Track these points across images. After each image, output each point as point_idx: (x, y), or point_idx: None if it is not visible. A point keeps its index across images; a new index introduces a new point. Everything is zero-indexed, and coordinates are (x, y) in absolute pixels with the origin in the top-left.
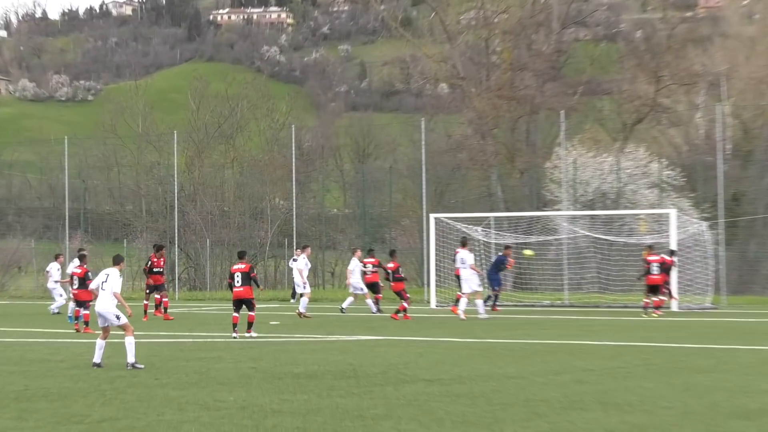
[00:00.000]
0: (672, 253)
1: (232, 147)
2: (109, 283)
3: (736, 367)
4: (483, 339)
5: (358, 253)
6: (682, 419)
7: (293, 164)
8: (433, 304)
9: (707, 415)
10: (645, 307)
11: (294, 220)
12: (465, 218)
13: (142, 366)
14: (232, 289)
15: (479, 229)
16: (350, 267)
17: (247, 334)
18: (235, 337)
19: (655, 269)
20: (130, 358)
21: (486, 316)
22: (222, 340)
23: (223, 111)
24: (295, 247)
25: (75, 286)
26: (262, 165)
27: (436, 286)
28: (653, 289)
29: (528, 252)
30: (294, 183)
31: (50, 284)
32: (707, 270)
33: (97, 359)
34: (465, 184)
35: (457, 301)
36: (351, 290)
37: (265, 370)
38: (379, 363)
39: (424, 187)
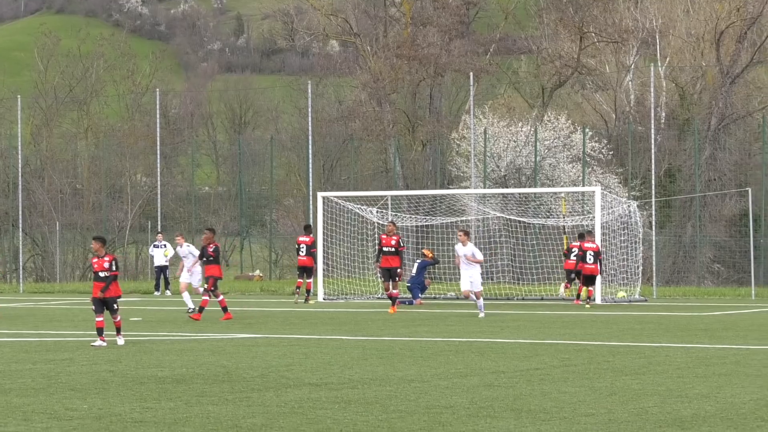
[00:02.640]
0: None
1: (86, 114)
2: None
3: (669, 369)
4: (379, 337)
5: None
6: (605, 428)
7: (158, 135)
8: (320, 297)
9: (635, 423)
10: (584, 296)
11: (159, 200)
12: (358, 197)
13: None
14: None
15: (374, 210)
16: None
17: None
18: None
19: (590, 257)
20: None
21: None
22: (74, 339)
23: (75, 72)
24: (159, 230)
25: None
26: (121, 136)
27: (324, 276)
28: (590, 280)
29: (427, 252)
30: (159, 157)
31: None
32: (636, 257)
33: None
34: (358, 158)
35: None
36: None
37: (125, 374)
38: (257, 365)
39: (310, 161)
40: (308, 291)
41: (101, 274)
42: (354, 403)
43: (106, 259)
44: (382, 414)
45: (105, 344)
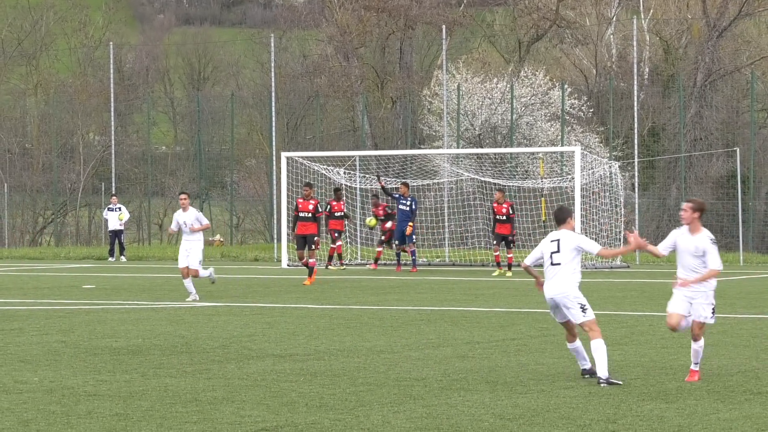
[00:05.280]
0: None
1: (35, 70)
2: None
3: (652, 339)
4: (346, 306)
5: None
6: (585, 401)
7: (111, 91)
8: (284, 263)
9: (617, 397)
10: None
11: (113, 160)
12: (324, 158)
13: None
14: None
15: (341, 171)
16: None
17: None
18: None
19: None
20: None
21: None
22: (24, 308)
23: (23, 25)
24: (113, 192)
25: None
26: (72, 92)
27: (288, 241)
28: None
29: (371, 221)
30: (113, 114)
31: None
32: (618, 221)
33: None
34: (324, 116)
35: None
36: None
37: (78, 345)
38: (218, 335)
39: (273, 119)
40: (339, 255)
41: None
42: (320, 375)
43: None
44: (350, 387)
45: None
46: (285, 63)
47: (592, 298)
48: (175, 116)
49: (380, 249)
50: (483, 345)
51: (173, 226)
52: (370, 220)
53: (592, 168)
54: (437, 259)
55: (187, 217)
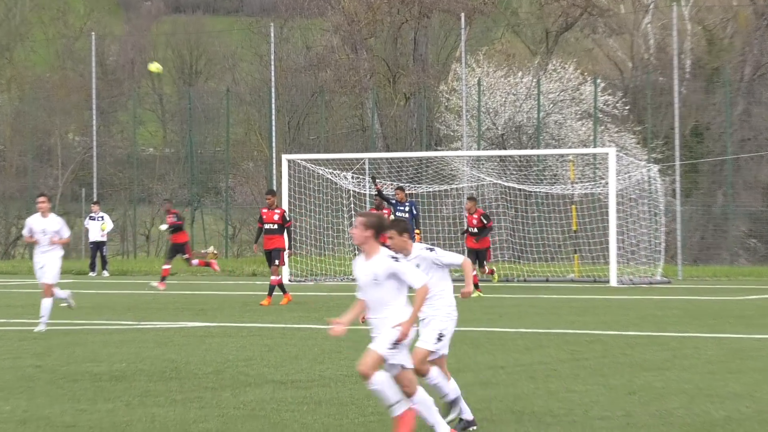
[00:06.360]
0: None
1: (8, 63)
2: None
3: (697, 363)
4: (355, 326)
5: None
6: None
7: (93, 86)
8: (285, 279)
9: (657, 428)
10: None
11: (95, 164)
12: (330, 160)
13: None
14: None
15: (349, 175)
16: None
17: None
18: None
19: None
20: None
21: None
22: None
23: None
24: (94, 200)
25: None
26: (50, 88)
27: (290, 254)
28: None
29: (163, 227)
30: (94, 112)
31: None
32: (658, 231)
33: None
34: (330, 115)
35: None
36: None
37: (55, 370)
38: (211, 359)
39: (273, 117)
40: None
41: None
42: (326, 404)
43: None
44: (358, 417)
45: None
46: (286, 55)
47: (631, 317)
48: (164, 115)
49: None
50: (508, 370)
51: (25, 232)
52: (163, 227)
53: (628, 172)
54: (455, 274)
55: (48, 224)
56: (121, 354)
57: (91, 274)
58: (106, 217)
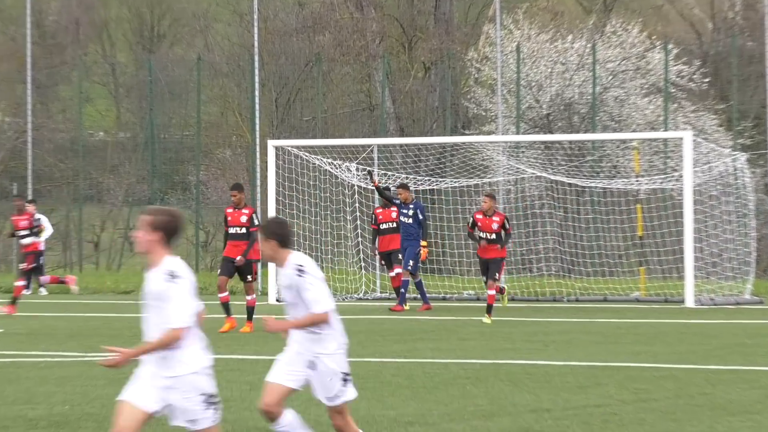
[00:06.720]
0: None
1: None
2: None
3: None
4: (360, 357)
5: None
6: None
7: (28, 53)
8: (271, 298)
9: None
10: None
11: (29, 152)
12: (328, 147)
13: None
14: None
15: (353, 166)
16: None
17: None
18: None
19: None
20: None
21: None
22: None
23: None
24: (29, 197)
25: None
26: None
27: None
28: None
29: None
30: (29, 86)
31: None
32: (746, 237)
33: None
34: (329, 90)
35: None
36: None
37: None
38: None
39: (257, 93)
40: (398, 289)
41: None
42: None
43: None
44: None
45: None
46: (273, 14)
47: (712, 346)
48: (118, 89)
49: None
50: (555, 414)
51: None
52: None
53: (708, 162)
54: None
55: None
56: (64, 394)
57: (25, 292)
58: (44, 218)
